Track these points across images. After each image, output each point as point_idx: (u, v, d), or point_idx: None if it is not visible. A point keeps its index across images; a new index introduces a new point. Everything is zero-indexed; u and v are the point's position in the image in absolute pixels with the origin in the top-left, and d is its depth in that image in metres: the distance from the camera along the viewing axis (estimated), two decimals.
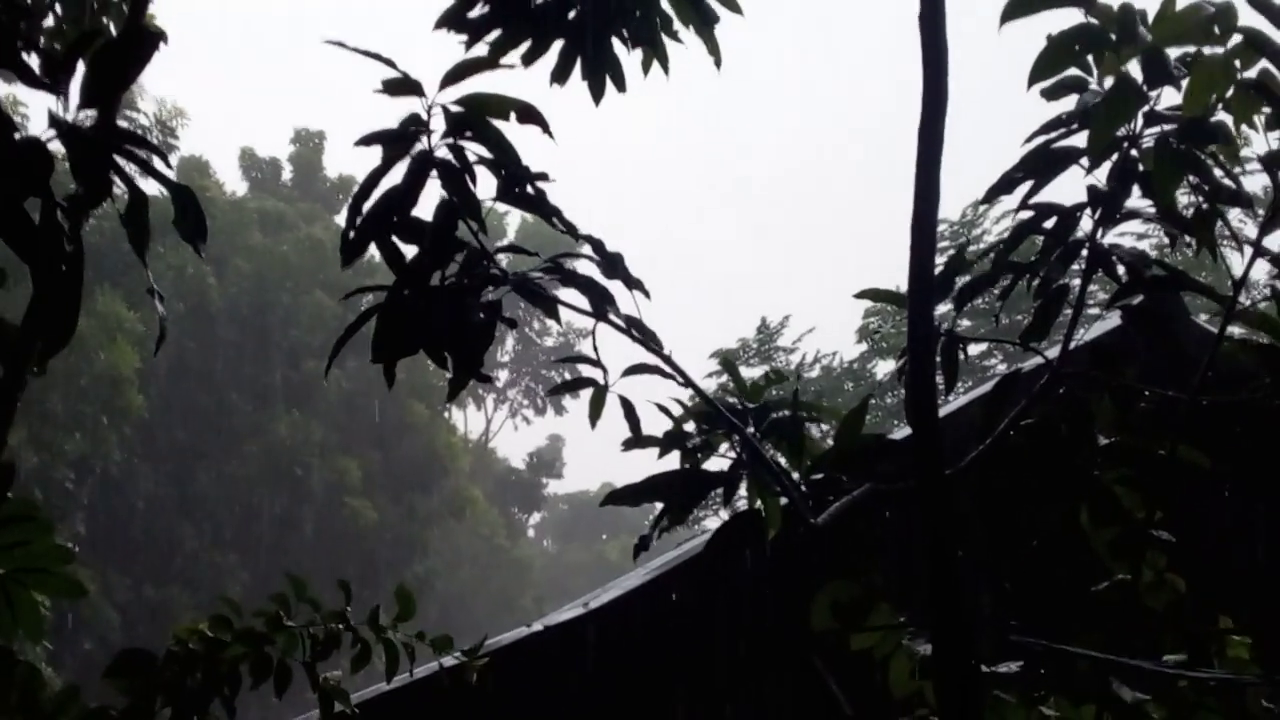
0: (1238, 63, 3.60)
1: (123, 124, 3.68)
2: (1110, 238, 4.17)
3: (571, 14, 5.18)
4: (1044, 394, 4.17)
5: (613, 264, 4.37)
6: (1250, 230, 4.04)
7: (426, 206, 4.10)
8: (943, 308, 4.38)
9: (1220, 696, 4.21)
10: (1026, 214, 4.21)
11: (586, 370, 4.65)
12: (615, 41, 5.31)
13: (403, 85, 4.00)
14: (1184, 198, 4.03)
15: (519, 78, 4.55)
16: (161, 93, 54.69)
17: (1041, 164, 4.04)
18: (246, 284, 61.06)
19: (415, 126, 4.06)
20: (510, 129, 4.13)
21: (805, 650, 4.53)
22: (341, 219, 4.25)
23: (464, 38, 5.08)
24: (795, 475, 4.41)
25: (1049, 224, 4.20)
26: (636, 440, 4.62)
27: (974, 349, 42.70)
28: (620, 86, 5.34)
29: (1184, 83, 3.64)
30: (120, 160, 3.29)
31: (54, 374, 41.20)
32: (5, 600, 4.12)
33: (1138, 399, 4.25)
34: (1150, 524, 4.31)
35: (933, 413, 3.72)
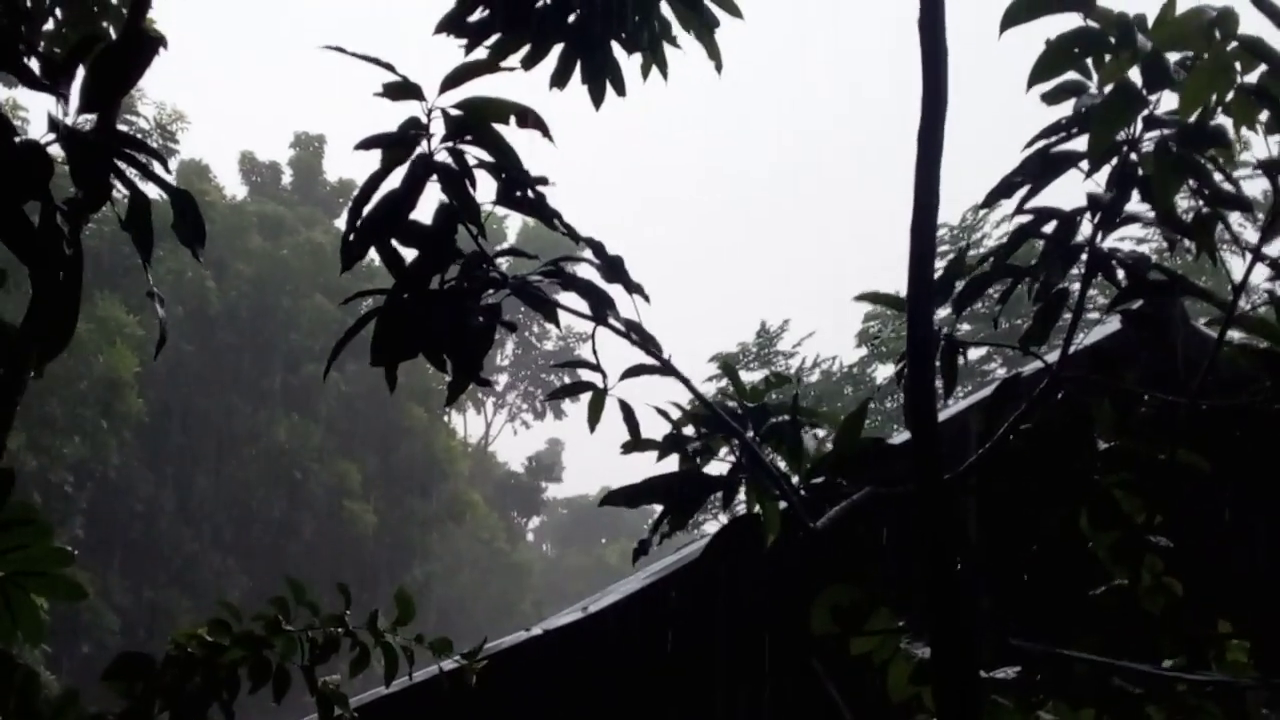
0: (1238, 66, 3.60)
1: (122, 128, 3.68)
2: (1110, 242, 4.16)
3: (571, 18, 5.18)
4: (1044, 398, 4.17)
5: (613, 268, 4.36)
6: (1250, 234, 4.04)
7: (426, 210, 4.10)
8: (942, 312, 4.37)
9: (1219, 700, 4.20)
10: (1026, 218, 4.21)
11: (586, 374, 4.65)
12: (615, 46, 5.31)
13: (402, 89, 4.00)
14: (1183, 202, 4.03)
15: (517, 80, 4.56)
16: (161, 96, 54.74)
17: (1041, 168, 4.03)
18: (246, 288, 61.08)
19: (415, 130, 4.06)
20: (510, 132, 4.13)
21: (805, 654, 4.53)
22: (341, 223, 4.25)
23: (464, 41, 5.09)
24: (794, 479, 4.41)
25: (1049, 228, 4.19)
26: (636, 444, 4.62)
27: (973, 353, 42.68)
28: (620, 91, 5.35)
29: (1183, 83, 3.65)
30: (120, 164, 3.29)
31: (53, 378, 41.21)
32: (5, 603, 4.12)
33: (1137, 403, 4.24)
34: (1150, 528, 4.31)
35: (932, 417, 3.72)
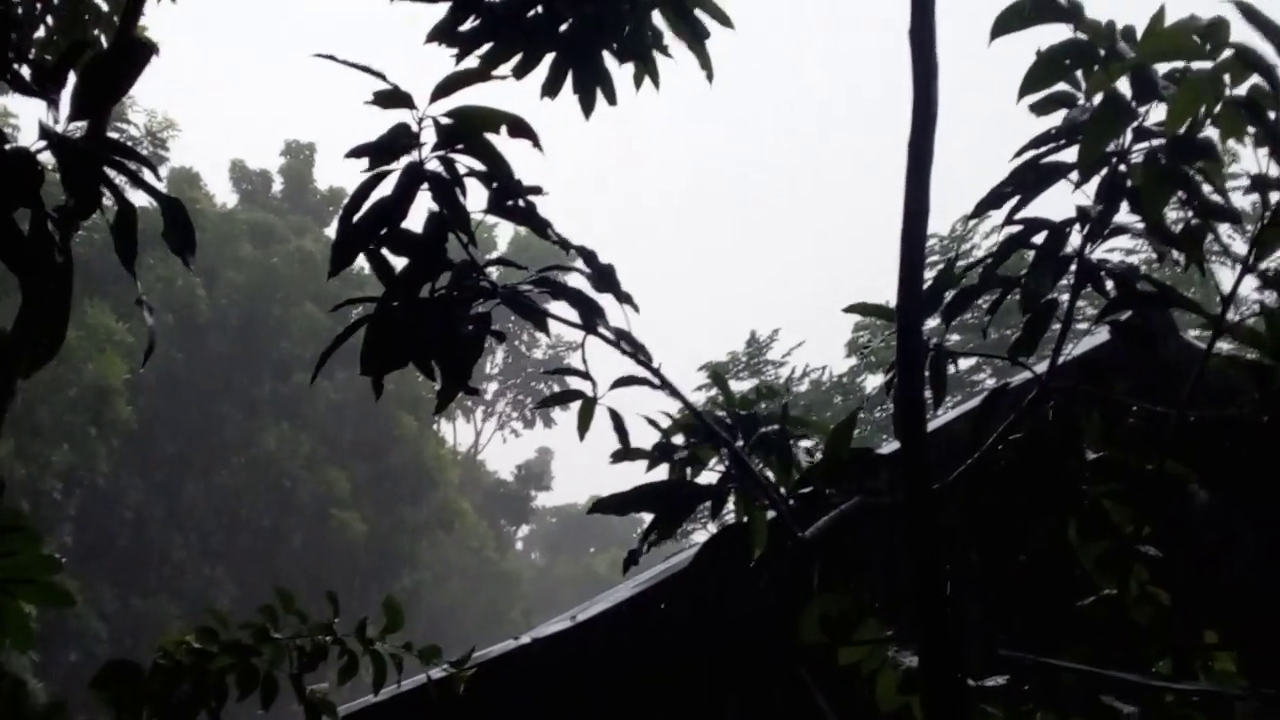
0: (1228, 78, 3.60)
1: (113, 135, 3.68)
2: (1099, 253, 4.17)
3: (563, 28, 5.19)
4: (1032, 408, 4.17)
5: (604, 277, 4.37)
6: (1238, 246, 4.05)
7: (417, 218, 4.11)
8: (932, 322, 4.38)
9: (1207, 710, 4.21)
10: (1015, 228, 4.22)
11: (575, 383, 4.65)
12: (607, 55, 5.31)
13: (393, 98, 4.00)
14: (1172, 213, 4.04)
15: (508, 88, 4.57)
16: (152, 104, 54.66)
17: (1030, 179, 4.04)
18: (236, 296, 61.03)
19: (406, 139, 4.07)
20: (501, 141, 4.14)
21: (793, 664, 4.52)
22: (332, 231, 4.26)
23: (455, 51, 5.09)
24: (783, 489, 4.41)
25: (1038, 238, 4.20)
26: (625, 453, 4.62)
27: (963, 363, 42.70)
28: (611, 100, 5.35)
29: (1171, 95, 3.66)
30: (110, 172, 3.29)
31: (42, 385, 41.16)
32: None
33: (1126, 414, 4.25)
34: (1138, 538, 4.31)
35: (921, 427, 3.72)
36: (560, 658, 9.08)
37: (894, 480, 3.73)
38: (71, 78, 3.26)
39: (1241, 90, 3.62)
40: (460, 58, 5.08)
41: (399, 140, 4.06)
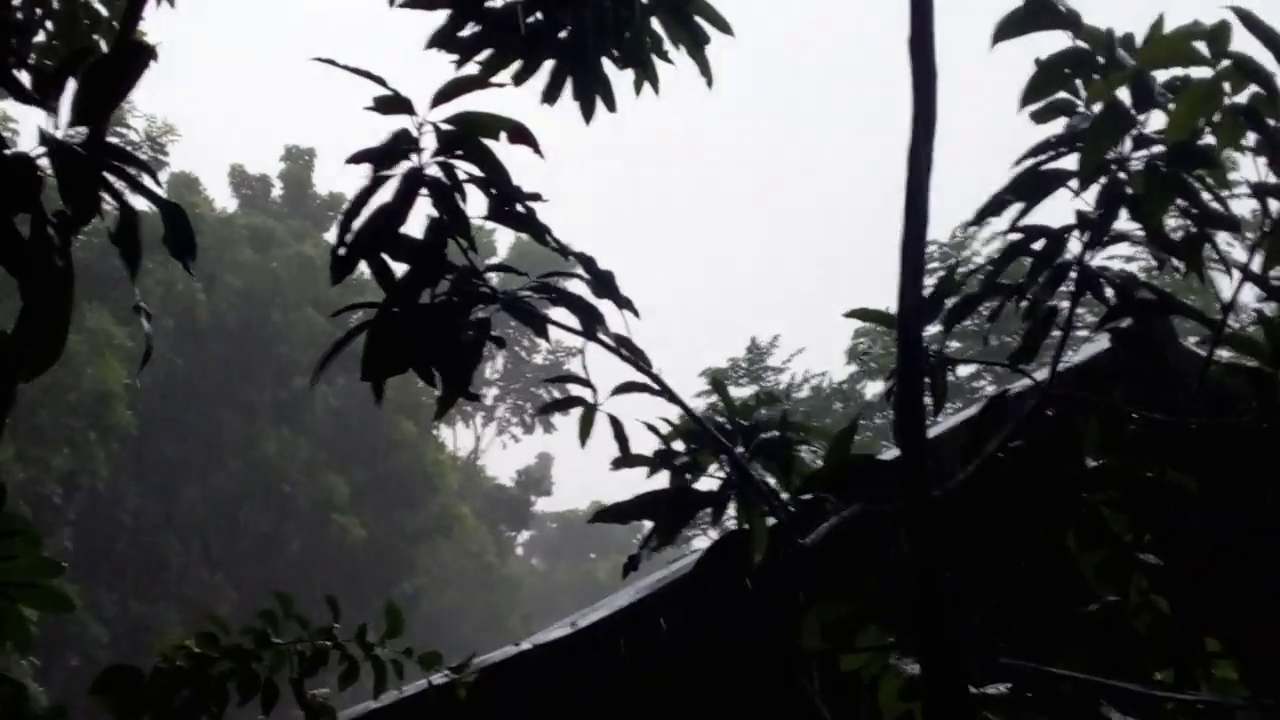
0: (1228, 87, 3.60)
1: (113, 140, 3.68)
2: (1099, 260, 4.17)
3: (562, 34, 5.19)
4: (1032, 416, 4.17)
5: (604, 283, 4.37)
6: (1238, 253, 4.05)
7: (417, 224, 4.11)
8: (932, 329, 4.38)
9: (1208, 719, 4.20)
10: (1016, 236, 4.22)
11: (576, 389, 4.65)
12: (606, 61, 5.32)
13: (393, 103, 4.01)
14: (1172, 220, 4.04)
15: (508, 94, 4.56)
16: (152, 109, 54.68)
17: (1031, 186, 4.04)
18: (236, 300, 61.03)
19: (406, 144, 4.07)
20: (500, 147, 4.14)
21: (794, 671, 4.52)
22: (331, 236, 4.25)
23: (455, 57, 5.09)
24: (784, 495, 4.41)
25: (1038, 246, 4.20)
26: (625, 459, 4.62)
27: (963, 370, 42.72)
28: (610, 106, 5.35)
29: (1172, 106, 3.65)
30: (110, 177, 3.29)
31: (42, 389, 41.13)
32: None
33: (1126, 421, 4.25)
34: (1138, 546, 4.31)
35: (921, 434, 3.72)
36: (560, 664, 9.07)
37: (894, 487, 3.73)
38: (71, 83, 3.26)
39: (1241, 98, 3.62)
40: (460, 64, 5.08)
41: (399, 146, 4.06)
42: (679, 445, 4.61)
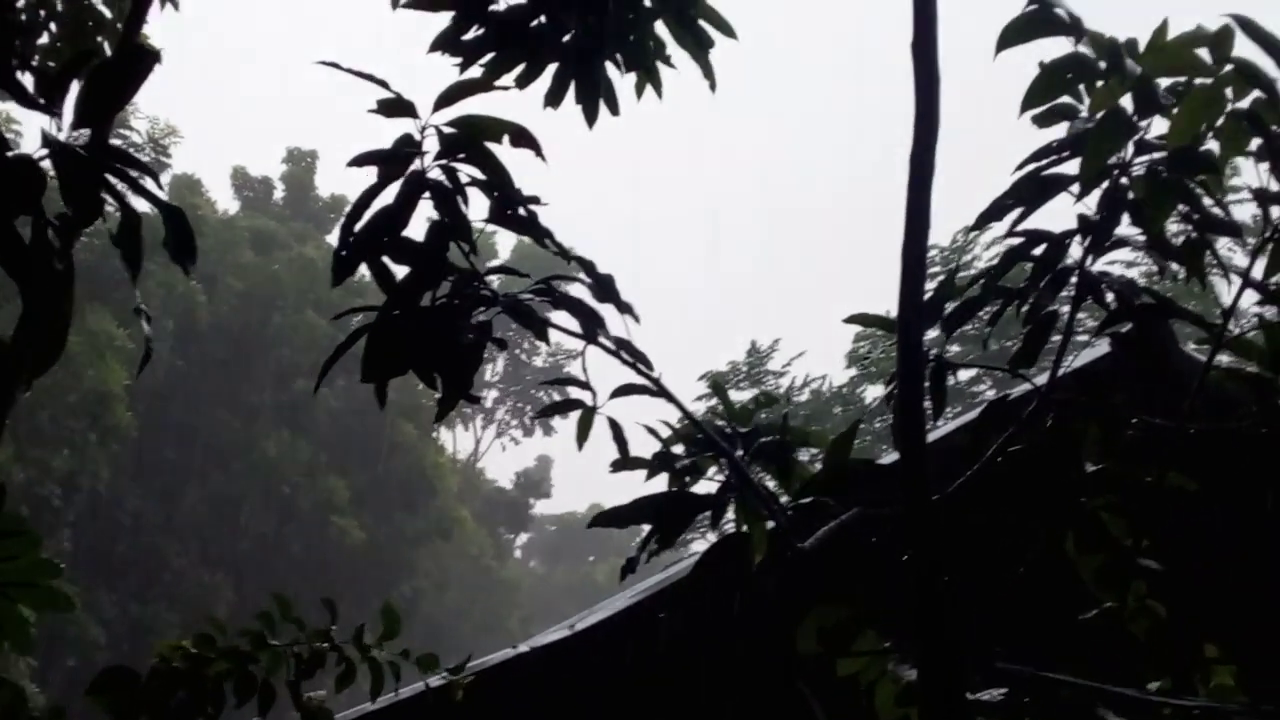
0: (1230, 92, 3.61)
1: (115, 142, 3.68)
2: (1099, 265, 4.18)
3: (566, 38, 5.19)
4: (1032, 420, 4.17)
5: (604, 287, 4.37)
6: (1239, 259, 4.05)
7: (419, 227, 4.11)
8: (932, 333, 4.38)
9: None
10: (1016, 240, 4.22)
11: (575, 392, 4.65)
12: (609, 65, 5.32)
13: (396, 107, 4.01)
14: (1173, 226, 4.04)
15: (511, 96, 4.57)
16: (154, 111, 54.67)
17: (1032, 191, 4.04)
18: (237, 302, 61.06)
19: (408, 147, 4.07)
20: (503, 150, 4.14)
21: (791, 675, 4.52)
22: (333, 239, 4.26)
23: (459, 60, 5.10)
24: (783, 499, 4.41)
25: (1039, 250, 4.20)
26: (625, 462, 4.62)
27: (963, 374, 42.74)
28: (614, 110, 5.36)
29: (1174, 112, 3.66)
30: (112, 179, 3.29)
31: (42, 390, 41.12)
32: None
33: (1125, 426, 4.25)
34: (1137, 551, 4.31)
35: (921, 438, 3.72)
36: (559, 666, 9.07)
37: (893, 491, 3.73)
38: (75, 86, 3.26)
39: (1243, 104, 3.62)
40: (464, 67, 5.08)
41: (401, 149, 4.07)
42: (678, 448, 4.61)
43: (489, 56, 5.13)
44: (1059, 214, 4.11)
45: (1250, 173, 3.75)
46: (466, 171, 4.15)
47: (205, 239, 48.24)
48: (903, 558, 3.61)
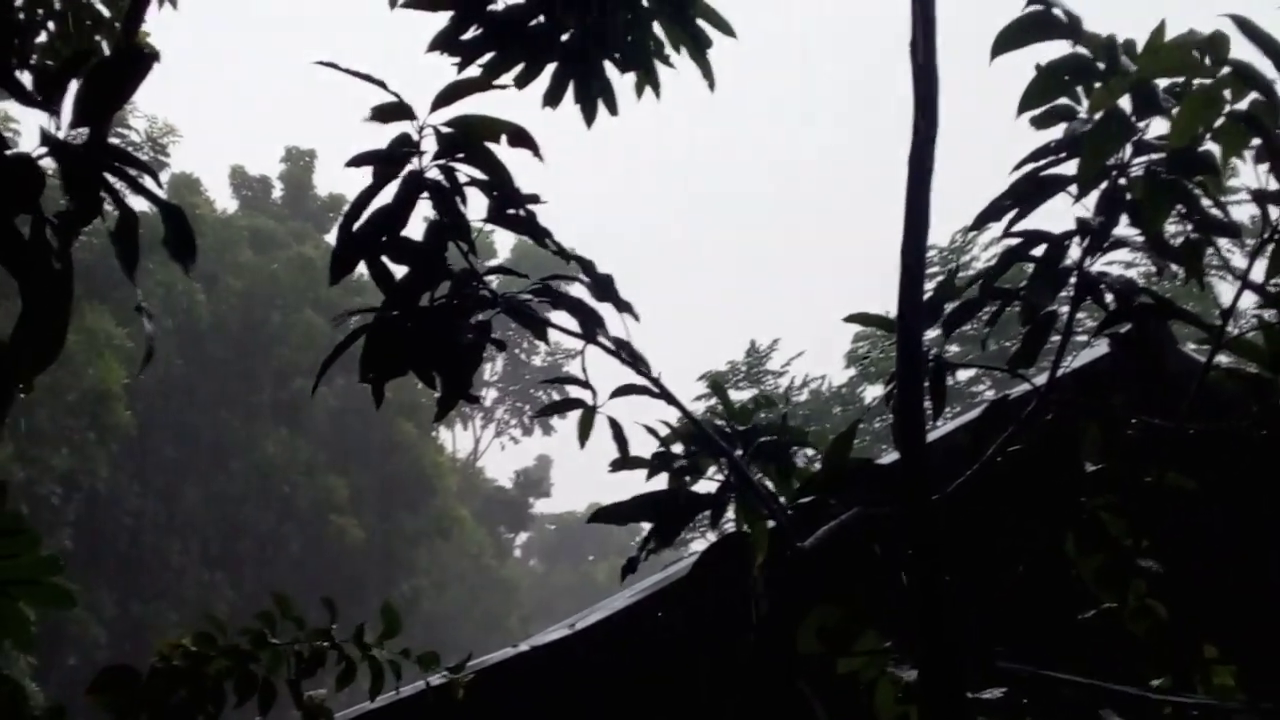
0: (1228, 94, 3.61)
1: (114, 141, 3.68)
2: (1098, 265, 4.18)
3: (564, 37, 5.20)
4: (1031, 420, 4.17)
5: (603, 287, 4.37)
6: (1237, 259, 4.05)
7: (417, 227, 4.11)
8: (931, 333, 4.38)
9: None
10: (1015, 241, 4.22)
11: (575, 391, 4.65)
12: (608, 64, 5.33)
13: (393, 110, 4.01)
14: (1172, 227, 4.04)
15: (509, 96, 4.57)
16: (153, 110, 54.64)
17: (1030, 191, 4.04)
18: (236, 301, 61.01)
19: (406, 147, 4.07)
20: (501, 149, 4.14)
21: (791, 674, 4.52)
22: (332, 238, 4.26)
23: (457, 60, 5.10)
24: (783, 499, 4.41)
25: (1037, 251, 4.20)
26: (625, 461, 4.62)
27: (962, 375, 42.77)
28: (612, 109, 5.36)
29: (1173, 113, 3.66)
30: (110, 178, 3.29)
31: (41, 389, 41.09)
32: None
33: (1125, 426, 4.25)
34: (1137, 551, 4.31)
35: (920, 438, 3.73)
36: (559, 665, 9.07)
37: (893, 491, 3.73)
38: (74, 84, 3.26)
39: (1241, 105, 3.62)
40: (462, 66, 5.09)
41: (400, 149, 4.07)
42: (678, 448, 4.61)
43: (488, 56, 5.14)
44: (1057, 214, 4.11)
45: (1249, 174, 3.76)
46: (465, 171, 4.15)
47: (204, 238, 48.23)
48: (903, 557, 3.61)
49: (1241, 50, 3.56)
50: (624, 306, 4.38)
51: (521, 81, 5.16)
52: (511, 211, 4.24)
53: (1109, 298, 4.16)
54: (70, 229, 3.19)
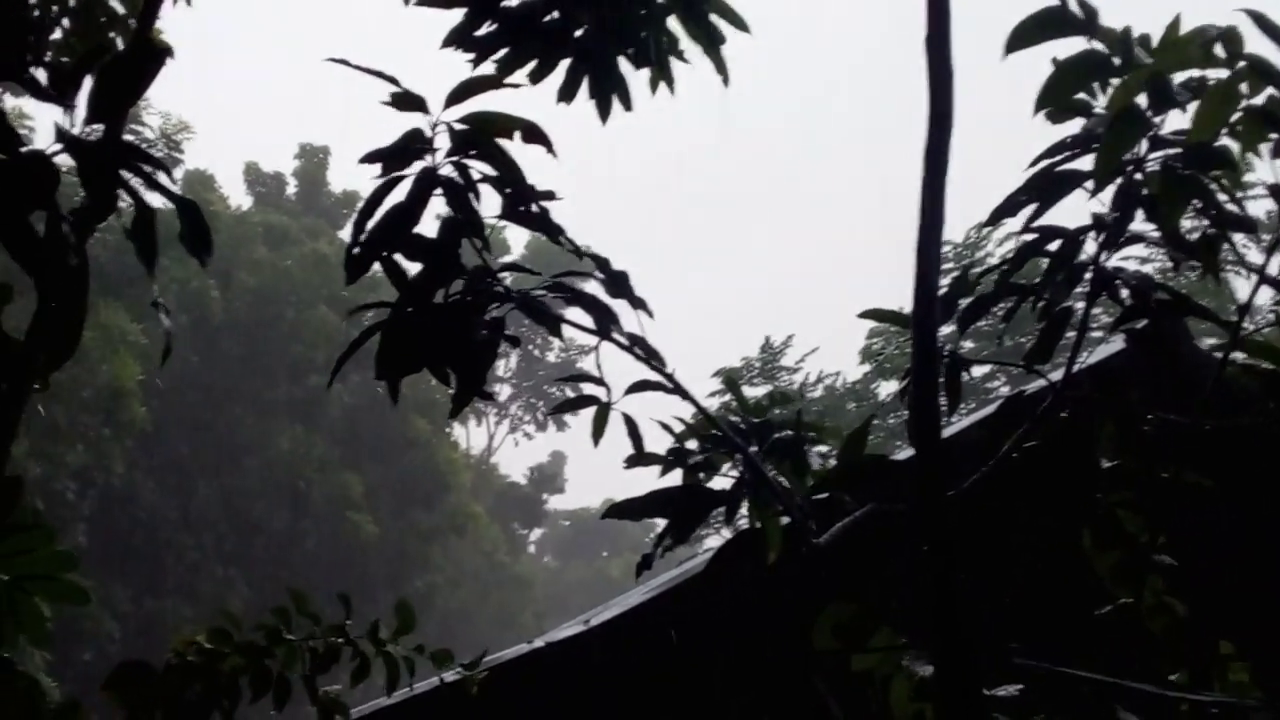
0: (1244, 88, 3.59)
1: (128, 137, 3.69)
2: (1114, 261, 4.17)
3: (579, 33, 5.19)
4: (1047, 416, 4.16)
5: (617, 283, 4.37)
6: (1253, 255, 4.04)
7: (431, 224, 4.11)
8: (946, 329, 4.37)
9: None
10: (1030, 236, 4.21)
11: (589, 387, 4.65)
12: (622, 60, 5.32)
13: (407, 103, 4.01)
14: (1188, 222, 4.03)
15: (521, 90, 4.56)
16: (167, 106, 54.69)
17: (1046, 187, 4.03)
18: (250, 298, 61.08)
19: (420, 144, 4.07)
20: (514, 146, 4.14)
21: (806, 671, 4.52)
22: (345, 234, 4.27)
23: (471, 56, 5.10)
24: (798, 495, 4.41)
25: (1053, 246, 4.19)
26: (639, 458, 4.62)
27: (977, 371, 42.68)
28: (627, 105, 5.36)
29: (1190, 108, 3.64)
30: (126, 174, 3.29)
31: (57, 386, 41.13)
32: (9, 607, 4.14)
33: (1140, 422, 4.24)
34: (1153, 548, 4.30)
35: (935, 434, 3.71)
36: (573, 662, 9.07)
37: (908, 487, 3.72)
38: (88, 81, 3.27)
39: (1258, 100, 3.61)
40: (476, 63, 5.08)
41: (413, 145, 4.07)
42: (693, 444, 4.61)
43: (502, 52, 5.13)
44: (1073, 209, 4.10)
45: (1265, 169, 3.74)
46: (479, 168, 4.15)
47: (218, 234, 48.00)
48: (918, 554, 3.60)
49: (1255, 45, 3.55)
50: (638, 303, 4.38)
51: (535, 77, 5.16)
52: (525, 208, 4.24)
53: (1125, 293, 4.15)
54: (86, 225, 3.20)
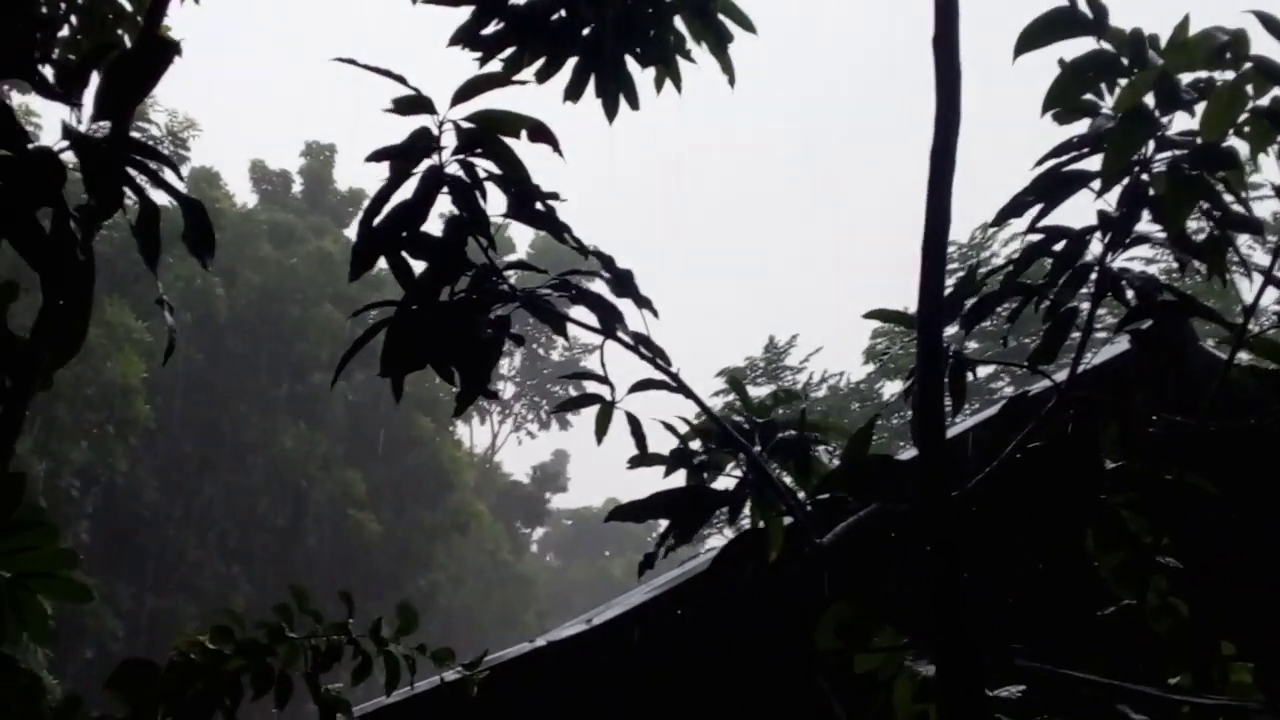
0: (1250, 89, 3.59)
1: (135, 135, 3.68)
2: (1119, 261, 4.16)
3: (585, 32, 5.19)
4: (1051, 417, 4.16)
5: (622, 282, 4.37)
6: (1259, 256, 4.04)
7: (437, 222, 4.11)
8: (951, 329, 4.37)
9: None
10: (1036, 236, 4.21)
11: (593, 386, 4.65)
12: (629, 59, 5.32)
13: (414, 102, 4.01)
14: (1194, 223, 4.02)
15: (528, 89, 4.56)
16: (173, 103, 54.75)
17: (1052, 187, 4.03)
18: (255, 296, 61.09)
19: (426, 142, 4.07)
20: (520, 145, 4.14)
21: (809, 671, 4.51)
22: (351, 233, 4.27)
23: (478, 54, 5.10)
24: (801, 495, 4.40)
25: (1058, 247, 4.19)
26: (643, 457, 4.62)
27: (982, 371, 42.66)
28: (634, 104, 5.35)
29: (1198, 108, 3.64)
30: (132, 171, 3.29)
31: (61, 383, 41.17)
32: (12, 604, 4.14)
33: (1145, 423, 4.24)
34: (1157, 549, 4.30)
35: (940, 434, 3.71)
36: (575, 661, 9.07)
37: (912, 487, 3.72)
38: (95, 78, 3.27)
39: (1263, 102, 3.60)
40: (483, 61, 5.08)
41: (419, 144, 4.06)
42: (696, 444, 4.61)
43: (508, 51, 5.13)
44: (1079, 210, 4.10)
45: (1271, 170, 3.74)
46: (484, 166, 4.15)
47: (224, 232, 48.36)
48: (921, 554, 3.60)
49: (1261, 45, 3.55)
50: (643, 302, 4.38)
51: (542, 76, 5.16)
52: (530, 207, 4.24)
53: (1130, 294, 4.15)
54: (92, 222, 3.19)
